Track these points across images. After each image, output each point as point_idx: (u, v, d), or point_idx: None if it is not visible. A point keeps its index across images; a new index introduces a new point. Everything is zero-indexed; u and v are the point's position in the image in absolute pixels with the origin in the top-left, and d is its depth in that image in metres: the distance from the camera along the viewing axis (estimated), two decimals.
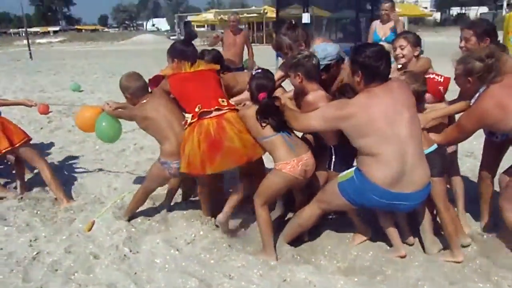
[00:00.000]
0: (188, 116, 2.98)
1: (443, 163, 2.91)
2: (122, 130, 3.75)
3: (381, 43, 5.59)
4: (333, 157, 2.98)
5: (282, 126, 2.83)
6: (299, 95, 3.02)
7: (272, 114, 2.82)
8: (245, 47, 6.93)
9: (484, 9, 58.78)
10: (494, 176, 3.12)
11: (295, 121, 2.81)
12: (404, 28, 6.17)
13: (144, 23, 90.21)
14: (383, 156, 2.52)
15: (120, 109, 3.46)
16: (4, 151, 3.66)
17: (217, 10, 36.08)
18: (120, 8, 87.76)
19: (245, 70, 6.19)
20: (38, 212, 3.67)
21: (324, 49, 3.05)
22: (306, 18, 10.78)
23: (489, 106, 2.58)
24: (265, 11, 32.94)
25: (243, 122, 2.94)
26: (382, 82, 2.60)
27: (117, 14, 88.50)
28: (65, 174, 4.68)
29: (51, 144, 5.90)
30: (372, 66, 2.55)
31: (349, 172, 2.70)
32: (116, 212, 3.54)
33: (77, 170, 4.88)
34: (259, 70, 3.03)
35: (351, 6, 12.16)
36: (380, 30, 6.14)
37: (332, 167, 3.00)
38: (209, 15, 35.28)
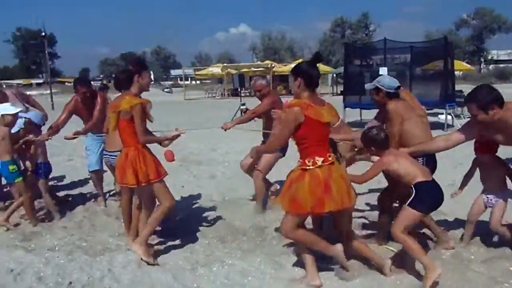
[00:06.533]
0: (319, 159, 2.99)
1: None
2: None
3: None
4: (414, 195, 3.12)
5: None
6: None
7: None
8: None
9: None
10: None
11: None
12: None
13: None
14: None
15: None
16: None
17: (225, 64, 36.53)
18: (108, 61, 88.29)
19: None
20: None
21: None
22: (384, 71, 10.94)
23: None
24: (272, 65, 33.61)
25: None
26: None
27: (104, 67, 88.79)
28: None
29: None
30: None
31: None
32: None
33: None
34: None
35: None
36: None
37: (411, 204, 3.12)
38: (215, 69, 35.67)
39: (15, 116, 4.55)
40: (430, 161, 3.63)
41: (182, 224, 4.63)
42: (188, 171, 7.32)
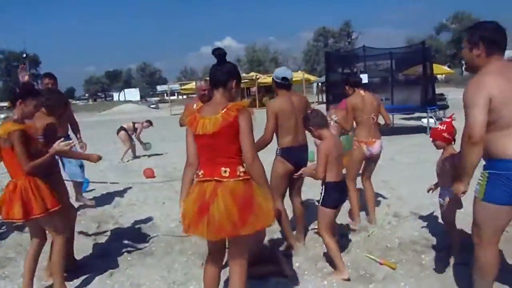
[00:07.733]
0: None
1: None
2: None
3: None
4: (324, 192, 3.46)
5: None
6: None
7: None
8: None
9: None
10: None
11: None
12: None
13: (115, 94, 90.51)
14: None
15: None
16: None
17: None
18: (93, 80, 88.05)
19: None
20: None
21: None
22: (364, 77, 11.05)
23: None
24: (257, 77, 33.66)
25: None
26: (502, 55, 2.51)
27: (89, 85, 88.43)
28: None
29: None
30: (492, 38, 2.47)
31: (482, 181, 2.50)
32: None
33: None
34: None
35: None
36: None
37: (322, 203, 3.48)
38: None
39: None
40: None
41: (161, 242, 4.54)
42: (171, 187, 7.22)
